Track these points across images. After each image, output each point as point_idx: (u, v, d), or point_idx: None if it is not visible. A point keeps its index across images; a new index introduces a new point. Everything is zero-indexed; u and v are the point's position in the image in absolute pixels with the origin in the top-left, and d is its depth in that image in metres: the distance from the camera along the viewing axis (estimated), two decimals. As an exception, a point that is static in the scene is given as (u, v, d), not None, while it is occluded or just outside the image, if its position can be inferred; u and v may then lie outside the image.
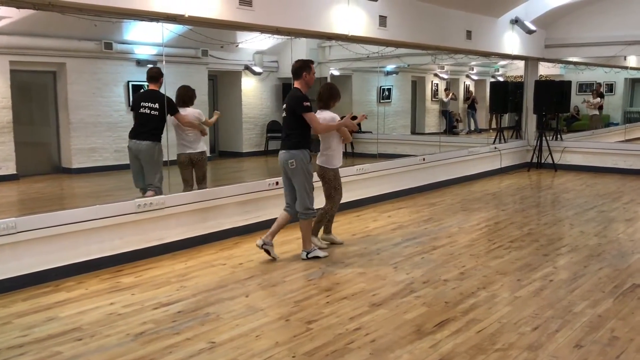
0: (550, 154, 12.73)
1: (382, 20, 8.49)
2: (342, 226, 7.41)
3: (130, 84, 12.04)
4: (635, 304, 4.77)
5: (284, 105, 6.07)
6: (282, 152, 6.02)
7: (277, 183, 7.44)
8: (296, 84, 6.00)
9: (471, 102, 19.99)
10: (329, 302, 4.86)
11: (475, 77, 20.15)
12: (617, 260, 6.02)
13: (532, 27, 11.65)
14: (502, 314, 4.57)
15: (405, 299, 4.90)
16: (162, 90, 6.88)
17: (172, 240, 6.30)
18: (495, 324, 4.36)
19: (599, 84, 17.68)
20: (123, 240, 5.89)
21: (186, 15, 5.98)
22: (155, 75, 6.88)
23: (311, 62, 6.07)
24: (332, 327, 4.31)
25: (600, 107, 17.15)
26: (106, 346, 4.01)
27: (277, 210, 7.45)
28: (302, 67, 5.97)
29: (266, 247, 6.03)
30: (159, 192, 6.76)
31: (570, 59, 14.08)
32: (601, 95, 17.17)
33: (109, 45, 11.42)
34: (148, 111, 6.74)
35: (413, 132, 18.38)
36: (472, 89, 20.54)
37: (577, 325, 4.32)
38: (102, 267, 5.68)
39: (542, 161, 12.86)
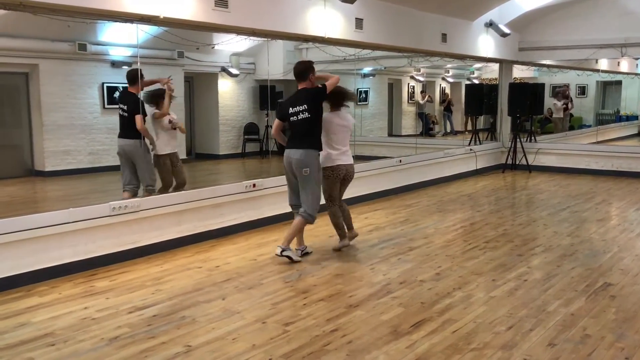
0: (525, 155, 12.91)
1: (359, 23, 8.52)
2: (319, 228, 7.40)
3: (105, 85, 11.90)
4: (606, 303, 4.85)
5: (304, 105, 5.91)
6: (294, 151, 5.94)
7: (254, 185, 7.43)
8: (303, 85, 6.00)
9: (447, 104, 20.19)
10: (306, 304, 4.85)
11: (450, 80, 20.35)
12: (589, 260, 6.12)
13: (506, 30, 11.80)
14: (477, 313, 4.61)
15: (381, 300, 4.92)
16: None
17: (147, 243, 6.23)
18: (470, 324, 4.41)
19: (565, 87, 17.98)
20: (97, 244, 5.81)
21: (161, 17, 5.94)
22: (130, 78, 6.90)
23: (312, 63, 6.14)
24: (309, 329, 4.31)
25: (565, 109, 17.42)
26: (80, 351, 3.96)
27: (254, 212, 7.49)
28: (308, 69, 6.02)
29: (285, 254, 5.93)
30: (151, 191, 6.94)
31: (544, 61, 14.27)
32: (567, 98, 17.45)
33: (83, 47, 11.26)
34: (121, 112, 6.97)
35: (390, 135, 18.47)
36: (447, 91, 20.74)
37: (551, 324, 4.38)
38: (75, 271, 5.60)
39: (517, 162, 13.03)
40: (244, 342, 4.09)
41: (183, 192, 6.94)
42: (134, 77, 6.87)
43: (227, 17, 6.60)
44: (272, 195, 7.54)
